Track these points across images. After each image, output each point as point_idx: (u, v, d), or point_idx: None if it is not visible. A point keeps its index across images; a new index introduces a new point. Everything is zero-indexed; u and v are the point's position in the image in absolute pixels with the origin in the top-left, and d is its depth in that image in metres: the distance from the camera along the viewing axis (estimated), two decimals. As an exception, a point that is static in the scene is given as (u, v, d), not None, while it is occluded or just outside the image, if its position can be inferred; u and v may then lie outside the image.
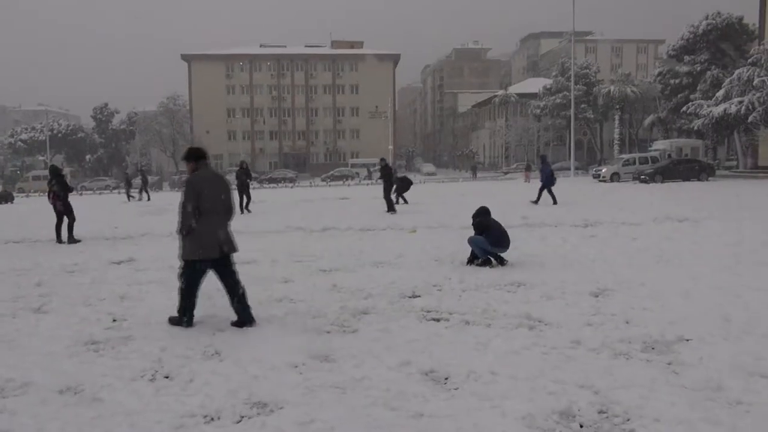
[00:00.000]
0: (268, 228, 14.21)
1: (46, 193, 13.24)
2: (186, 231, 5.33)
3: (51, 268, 9.21)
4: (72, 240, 12.64)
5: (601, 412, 3.56)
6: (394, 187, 19.02)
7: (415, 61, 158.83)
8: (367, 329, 5.41)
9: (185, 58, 75.76)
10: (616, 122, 55.59)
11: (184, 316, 5.56)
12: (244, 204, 19.03)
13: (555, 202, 18.45)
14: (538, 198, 19.06)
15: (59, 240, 12.66)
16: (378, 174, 23.21)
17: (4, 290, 7.47)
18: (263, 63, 77.60)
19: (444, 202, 21.45)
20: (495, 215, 8.81)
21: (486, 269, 8.10)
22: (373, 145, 70.78)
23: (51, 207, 12.91)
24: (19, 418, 3.64)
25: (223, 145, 74.54)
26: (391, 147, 63.28)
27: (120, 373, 4.40)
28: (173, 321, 5.63)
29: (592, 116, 60.05)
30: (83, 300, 6.86)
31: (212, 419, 3.61)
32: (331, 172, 58.81)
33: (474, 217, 8.75)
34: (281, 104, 77.81)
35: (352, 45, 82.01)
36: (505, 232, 8.49)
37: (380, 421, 3.51)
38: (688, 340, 4.82)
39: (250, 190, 19.68)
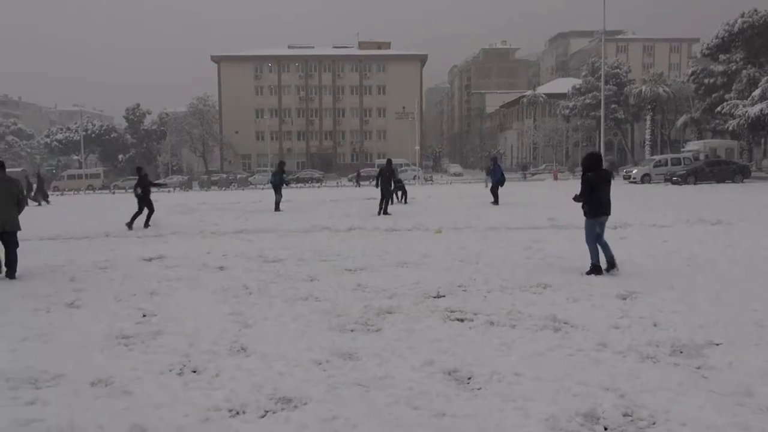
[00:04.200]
0: (294, 227, 14.34)
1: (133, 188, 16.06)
2: None
3: (84, 264, 9.44)
4: (146, 226, 15.01)
5: (626, 415, 3.51)
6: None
7: (442, 62, 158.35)
8: (391, 328, 5.43)
9: (215, 59, 76.87)
10: (648, 123, 54.59)
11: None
12: (277, 203, 19.72)
13: (496, 203, 19.67)
14: (496, 199, 19.94)
15: (130, 228, 14.65)
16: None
17: (39, 286, 7.69)
18: (291, 64, 78.27)
19: (468, 204, 21.32)
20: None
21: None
22: (399, 146, 70.81)
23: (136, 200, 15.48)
24: (52, 408, 3.75)
25: (252, 145, 75.41)
26: (417, 147, 63.14)
27: (149, 367, 4.50)
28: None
29: (623, 117, 59.10)
30: (114, 295, 7.03)
31: (237, 413, 3.68)
32: (358, 172, 58.92)
33: (584, 168, 7.76)
34: (309, 105, 78.38)
35: (379, 46, 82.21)
36: (608, 197, 7.69)
37: (402, 419, 3.52)
38: (717, 345, 4.72)
39: (282, 190, 20.22)
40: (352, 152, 78.68)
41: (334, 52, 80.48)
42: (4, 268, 8.43)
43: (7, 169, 8.61)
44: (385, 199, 17.42)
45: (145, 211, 15.25)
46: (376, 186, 18.04)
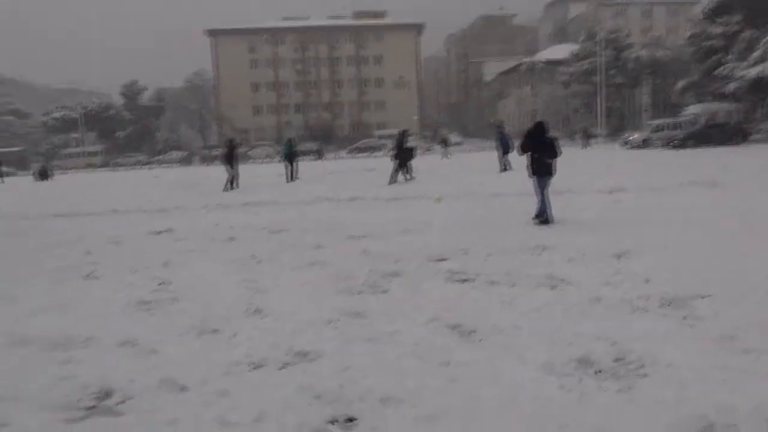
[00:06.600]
0: (296, 199, 14.58)
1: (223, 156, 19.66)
2: None
3: (95, 239, 9.71)
4: (230, 189, 18.23)
5: (617, 359, 3.80)
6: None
7: (439, 30, 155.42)
8: (397, 290, 5.71)
9: (210, 33, 76.04)
10: (647, 88, 54.33)
11: None
12: (293, 174, 21.32)
13: (504, 169, 19.58)
14: (505, 166, 19.77)
15: (225, 190, 18.16)
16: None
17: (55, 260, 7.97)
18: (287, 36, 77.40)
19: (469, 172, 21.50)
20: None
21: (516, 232, 8.30)
22: (398, 116, 70.53)
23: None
24: (85, 366, 4.04)
25: (249, 120, 75.10)
26: (416, 117, 62.96)
27: (170, 330, 4.79)
28: None
29: (622, 82, 58.74)
30: (129, 267, 7.31)
31: (257, 367, 3.97)
32: (357, 144, 58.90)
33: (525, 135, 9.26)
34: (306, 77, 77.79)
35: (375, 15, 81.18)
36: (543, 161, 9.04)
37: (410, 368, 3.82)
38: (705, 297, 4.99)
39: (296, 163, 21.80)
40: (351, 124, 78.39)
41: (330, 23, 79.53)
42: None
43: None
44: (400, 168, 17.87)
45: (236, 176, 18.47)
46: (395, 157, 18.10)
